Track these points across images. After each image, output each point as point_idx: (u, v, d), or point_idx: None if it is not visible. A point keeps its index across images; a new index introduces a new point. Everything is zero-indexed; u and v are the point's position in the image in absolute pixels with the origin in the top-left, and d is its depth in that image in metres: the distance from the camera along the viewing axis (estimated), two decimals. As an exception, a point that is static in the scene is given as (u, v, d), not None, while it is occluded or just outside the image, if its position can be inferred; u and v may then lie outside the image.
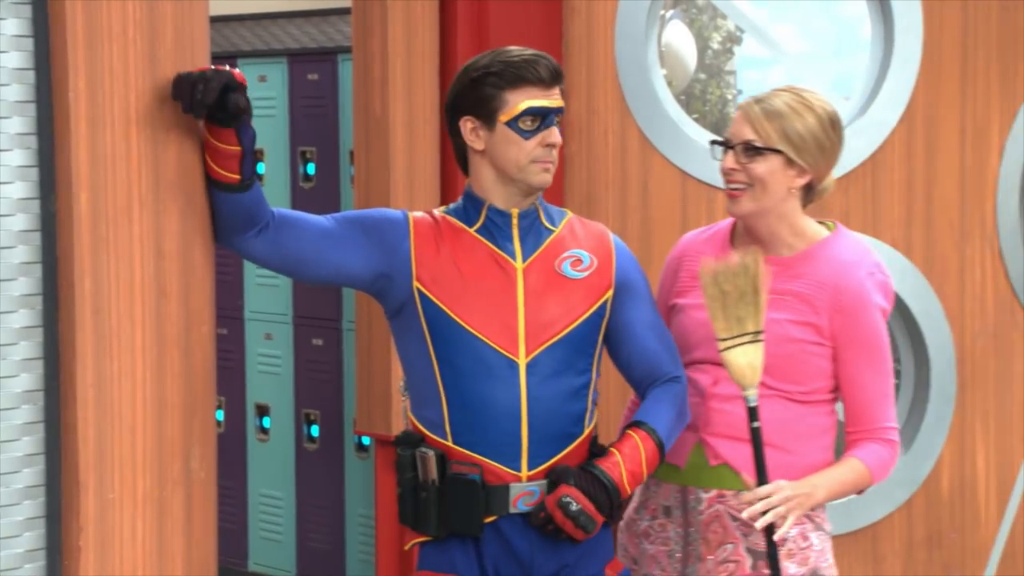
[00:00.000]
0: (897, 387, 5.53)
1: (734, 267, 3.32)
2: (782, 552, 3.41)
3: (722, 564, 3.44)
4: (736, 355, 3.31)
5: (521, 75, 3.27)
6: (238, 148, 3.12)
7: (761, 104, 3.42)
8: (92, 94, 2.86)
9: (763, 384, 3.41)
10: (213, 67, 3.03)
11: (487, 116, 3.29)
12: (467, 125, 3.32)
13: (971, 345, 5.43)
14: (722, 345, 3.32)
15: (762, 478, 3.30)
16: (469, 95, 3.30)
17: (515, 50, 3.32)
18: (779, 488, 3.30)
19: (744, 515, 3.33)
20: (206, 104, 3.00)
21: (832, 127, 3.44)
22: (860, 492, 3.51)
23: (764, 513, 3.28)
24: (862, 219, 5.25)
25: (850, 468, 3.44)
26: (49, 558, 2.88)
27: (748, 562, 3.42)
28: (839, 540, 5.28)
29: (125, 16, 2.91)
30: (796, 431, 3.44)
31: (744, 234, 3.52)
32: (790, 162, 3.41)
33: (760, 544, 3.41)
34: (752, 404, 3.31)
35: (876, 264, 3.48)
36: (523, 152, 3.29)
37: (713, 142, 3.48)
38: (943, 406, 5.40)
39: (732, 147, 3.43)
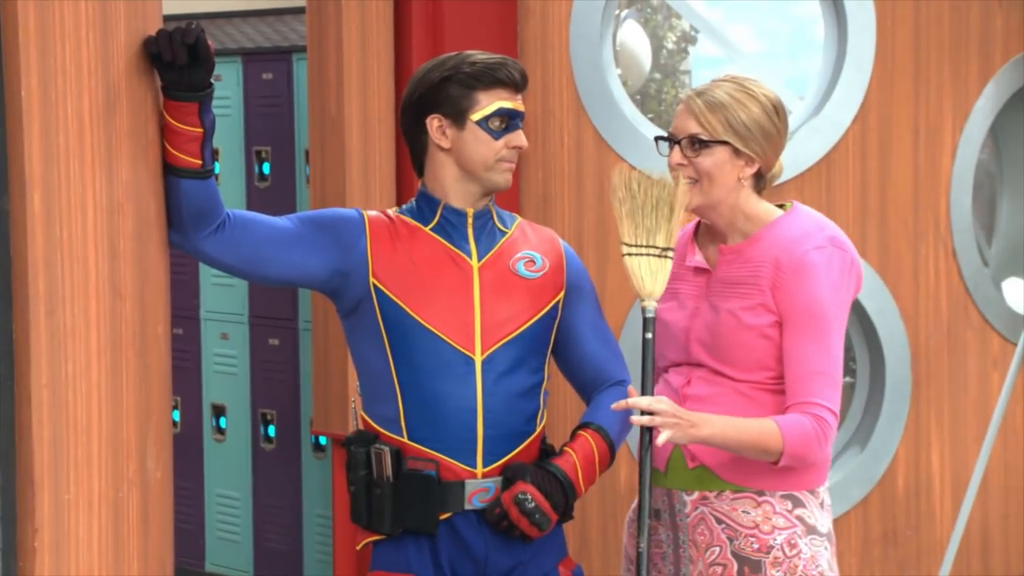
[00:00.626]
0: (852, 385, 5.56)
1: (652, 178, 3.32)
2: (768, 560, 3.38)
3: (711, 567, 3.40)
4: (639, 262, 3.30)
5: (495, 76, 3.32)
6: (200, 130, 3.13)
7: (703, 96, 3.40)
8: (45, 93, 2.85)
9: (732, 379, 3.39)
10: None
11: (457, 115, 3.32)
12: (434, 123, 3.34)
13: (925, 343, 5.46)
14: (625, 249, 3.30)
15: (646, 392, 3.25)
16: (438, 93, 3.33)
17: (481, 54, 3.35)
18: (660, 402, 3.22)
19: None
20: (187, 44, 3.03)
21: (776, 114, 3.42)
22: (775, 462, 3.32)
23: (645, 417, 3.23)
24: (817, 218, 5.27)
25: (758, 423, 3.29)
26: (4, 560, 2.87)
27: (735, 567, 3.39)
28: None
29: (78, 15, 2.90)
30: None
31: (706, 230, 3.50)
32: (737, 152, 3.39)
33: (745, 550, 3.39)
34: (649, 315, 3.28)
35: (829, 239, 3.40)
36: (491, 151, 3.32)
37: (658, 138, 3.46)
38: (898, 404, 5.43)
39: (677, 142, 3.41)
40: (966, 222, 5.49)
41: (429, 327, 3.31)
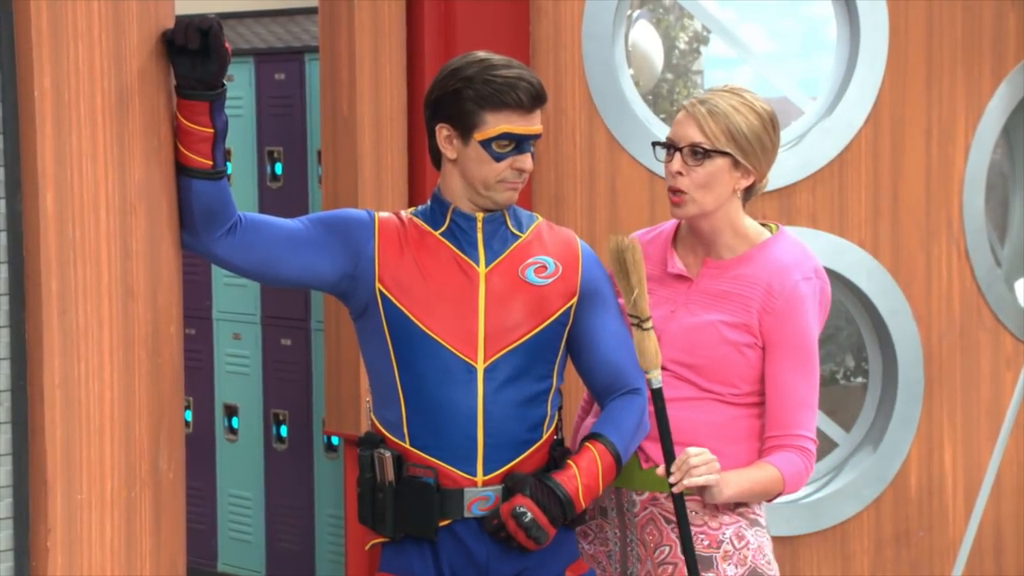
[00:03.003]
0: (865, 386, 5.56)
1: (612, 249, 3.29)
2: (719, 554, 3.41)
3: (661, 566, 3.43)
4: (636, 336, 3.29)
5: (501, 99, 3.25)
6: (210, 130, 3.13)
7: (706, 105, 3.38)
8: (57, 93, 2.85)
9: (697, 386, 3.42)
10: None
11: (463, 130, 3.28)
12: (442, 132, 3.31)
13: (938, 344, 5.46)
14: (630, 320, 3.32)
15: (670, 460, 3.27)
16: (449, 104, 3.28)
17: (502, 65, 3.27)
18: (700, 453, 3.26)
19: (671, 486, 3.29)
20: (201, 29, 3.02)
21: (772, 127, 3.42)
22: (769, 500, 3.45)
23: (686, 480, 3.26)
24: (829, 219, 5.27)
25: (764, 472, 3.38)
26: (17, 559, 2.87)
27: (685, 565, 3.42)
28: (808, 539, 5.30)
29: (91, 15, 2.91)
30: (728, 434, 3.42)
31: (687, 236, 3.50)
32: (736, 164, 3.39)
33: (696, 548, 3.39)
34: (655, 386, 3.27)
35: (814, 269, 3.45)
36: (492, 173, 3.28)
37: (656, 143, 3.45)
38: (910, 405, 5.43)
39: (679, 149, 3.40)
40: (979, 222, 5.48)
41: (431, 334, 3.29)
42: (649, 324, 3.27)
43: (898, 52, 5.33)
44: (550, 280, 3.36)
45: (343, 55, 4.77)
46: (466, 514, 3.30)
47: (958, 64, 5.41)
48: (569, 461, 3.34)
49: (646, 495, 3.45)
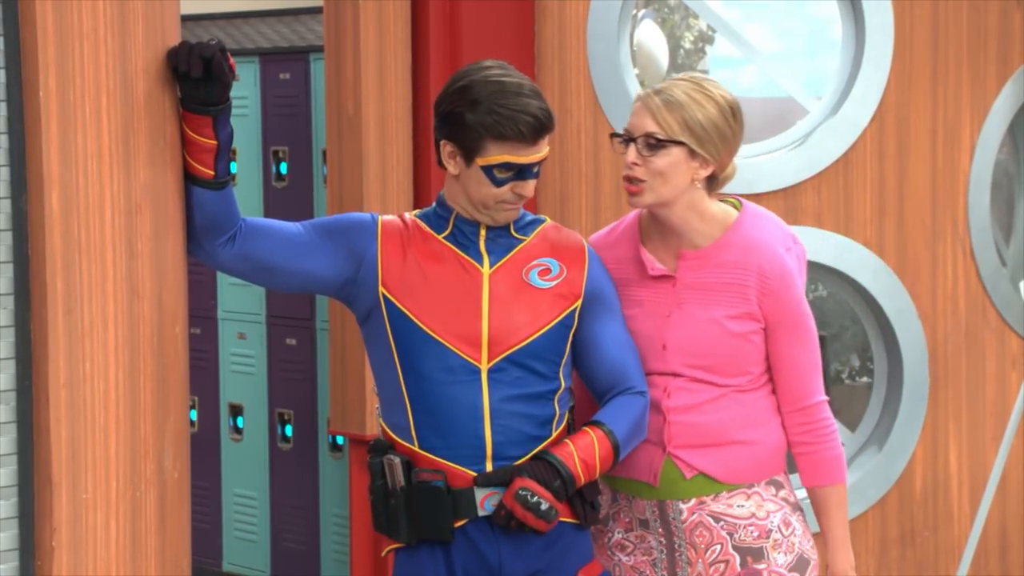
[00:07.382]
0: (870, 385, 5.56)
1: None
2: (768, 544, 3.42)
3: (713, 565, 3.43)
4: None
5: (502, 131, 3.21)
6: (213, 142, 3.13)
7: (661, 95, 3.36)
8: (63, 93, 2.85)
9: (715, 384, 3.42)
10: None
11: (466, 152, 3.25)
12: (446, 148, 3.29)
13: (943, 344, 5.45)
14: None
15: None
16: (454, 124, 3.25)
17: (512, 92, 3.22)
18: None
19: None
20: (204, 57, 3.04)
21: (733, 116, 3.39)
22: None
23: None
24: (834, 218, 5.27)
25: (838, 505, 3.50)
26: (22, 559, 2.88)
27: (737, 559, 3.41)
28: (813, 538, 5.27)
29: (96, 15, 2.91)
30: (756, 420, 3.44)
31: (653, 230, 3.46)
32: (692, 154, 3.36)
33: (746, 540, 3.41)
34: None
35: (789, 236, 3.46)
36: (491, 196, 3.27)
37: (613, 135, 3.44)
38: (916, 405, 5.42)
39: (633, 140, 3.38)
40: (984, 222, 5.48)
41: (435, 335, 3.29)
42: None
43: (903, 52, 5.33)
44: (554, 283, 3.35)
45: (348, 55, 4.77)
46: (479, 511, 3.30)
47: (963, 64, 5.41)
48: (565, 440, 3.32)
49: (693, 501, 3.43)
